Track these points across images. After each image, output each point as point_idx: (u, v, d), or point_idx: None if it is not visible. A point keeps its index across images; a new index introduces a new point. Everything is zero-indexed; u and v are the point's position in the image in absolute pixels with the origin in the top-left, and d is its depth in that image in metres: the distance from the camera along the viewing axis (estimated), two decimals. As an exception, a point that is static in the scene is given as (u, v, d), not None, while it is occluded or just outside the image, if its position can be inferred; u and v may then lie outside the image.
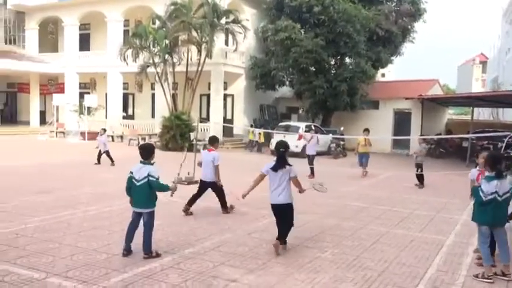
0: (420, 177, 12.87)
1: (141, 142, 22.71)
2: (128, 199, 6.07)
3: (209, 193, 10.71)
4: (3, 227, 7.07)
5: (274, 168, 6.19)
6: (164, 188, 6.02)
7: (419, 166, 12.91)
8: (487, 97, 21.26)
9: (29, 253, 5.86)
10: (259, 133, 22.61)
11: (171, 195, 6.74)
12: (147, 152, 6.02)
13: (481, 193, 5.51)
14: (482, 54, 75.47)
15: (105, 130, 16.77)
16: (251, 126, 24.76)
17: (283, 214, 6.30)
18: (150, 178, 5.81)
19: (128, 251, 5.90)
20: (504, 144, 10.82)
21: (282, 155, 6.27)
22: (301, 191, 6.46)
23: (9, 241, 6.34)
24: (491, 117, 33.19)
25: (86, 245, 6.31)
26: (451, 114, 36.27)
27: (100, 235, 6.85)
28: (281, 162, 6.20)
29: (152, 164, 5.99)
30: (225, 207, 8.64)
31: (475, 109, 34.04)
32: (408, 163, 17.46)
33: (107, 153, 15.41)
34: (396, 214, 9.17)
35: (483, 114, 33.63)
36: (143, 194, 5.84)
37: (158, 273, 5.34)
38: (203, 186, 8.58)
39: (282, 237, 6.27)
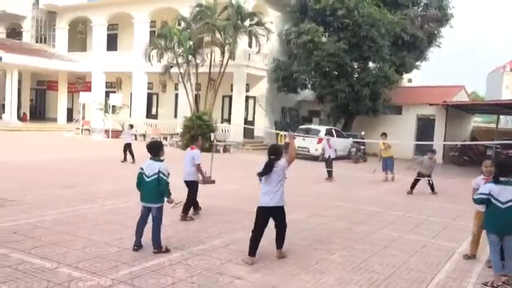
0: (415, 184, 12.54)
1: (163, 141, 23.10)
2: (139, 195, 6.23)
3: (219, 192, 10.86)
4: (23, 218, 7.33)
5: (261, 174, 5.82)
6: (166, 193, 6.04)
7: (429, 176, 12.46)
8: (514, 105, 20.74)
9: (44, 244, 6.07)
10: (281, 135, 22.61)
11: (171, 207, 6.79)
12: (155, 149, 6.17)
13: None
14: (513, 61, 73.45)
15: (132, 126, 17.50)
16: (275, 129, 24.79)
17: (276, 218, 6.00)
18: (161, 175, 5.96)
19: (138, 246, 6.04)
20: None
21: (271, 163, 5.78)
22: (292, 155, 5.96)
23: (26, 232, 6.57)
24: (519, 126, 32.32)
25: (99, 238, 6.49)
26: (478, 122, 35.49)
27: (113, 229, 7.03)
28: (268, 170, 5.78)
29: (162, 161, 6.13)
30: (185, 212, 7.96)
31: (504, 117, 33.15)
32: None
33: (129, 147, 15.59)
34: (410, 220, 9.07)
35: (508, 123, 32.76)
36: (152, 189, 5.98)
37: (166, 268, 5.46)
38: (187, 186, 8.16)
39: (279, 244, 6.09)
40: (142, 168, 6.11)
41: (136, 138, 26.24)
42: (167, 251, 6.03)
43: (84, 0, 30.32)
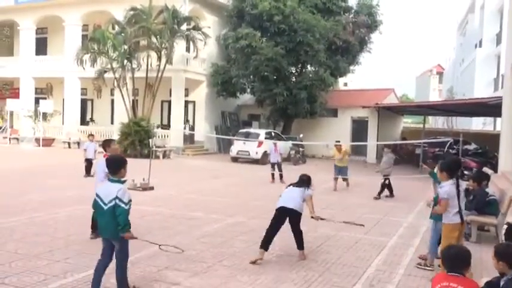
0: (389, 187, 12.12)
1: (98, 148, 22.29)
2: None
3: (157, 198, 10.71)
4: None
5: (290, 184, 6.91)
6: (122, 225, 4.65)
7: (387, 177, 12.06)
8: (437, 106, 22.15)
9: (-35, 260, 5.67)
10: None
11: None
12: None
13: None
14: (439, 65, 78.50)
15: (92, 136, 15.19)
16: (216, 133, 24.86)
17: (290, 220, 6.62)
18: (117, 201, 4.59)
19: None
20: (445, 149, 11.26)
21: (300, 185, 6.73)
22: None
23: None
24: (445, 126, 34.52)
25: (27, 251, 6.16)
26: (409, 123, 37.54)
27: (42, 241, 6.69)
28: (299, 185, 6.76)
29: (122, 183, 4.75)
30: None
31: (432, 118, 35.15)
32: (363, 170, 17.99)
33: (90, 163, 13.95)
34: (345, 218, 9.38)
35: (437, 123, 34.90)
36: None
37: (99, 278, 5.28)
38: None
39: (297, 245, 6.55)
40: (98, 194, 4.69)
41: (69, 146, 25.21)
42: None
43: (11, 2, 28.61)
